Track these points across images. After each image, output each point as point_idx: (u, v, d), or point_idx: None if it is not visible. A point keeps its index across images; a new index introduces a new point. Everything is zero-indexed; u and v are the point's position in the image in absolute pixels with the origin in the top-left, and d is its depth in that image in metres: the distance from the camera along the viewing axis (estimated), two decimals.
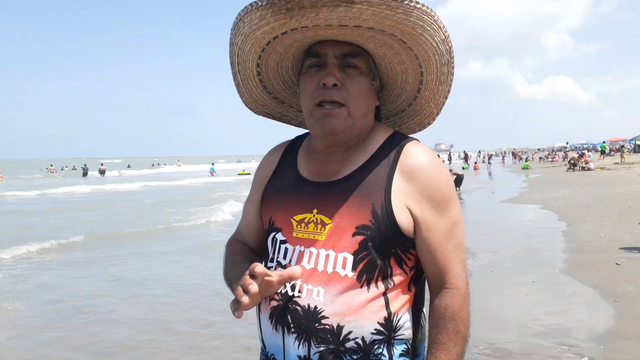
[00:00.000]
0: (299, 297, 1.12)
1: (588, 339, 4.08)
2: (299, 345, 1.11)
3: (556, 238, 8.56)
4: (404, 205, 1.14)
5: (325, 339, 1.10)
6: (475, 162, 40.68)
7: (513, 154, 58.50)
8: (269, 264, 1.21)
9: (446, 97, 1.29)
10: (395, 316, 1.14)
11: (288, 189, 1.25)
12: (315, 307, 1.11)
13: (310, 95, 1.19)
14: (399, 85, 1.29)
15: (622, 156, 33.36)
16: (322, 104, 1.17)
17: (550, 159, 44.90)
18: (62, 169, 66.59)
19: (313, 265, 1.13)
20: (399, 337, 1.15)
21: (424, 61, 1.20)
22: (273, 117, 1.46)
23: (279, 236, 1.20)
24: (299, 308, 1.11)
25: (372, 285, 1.12)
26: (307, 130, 1.37)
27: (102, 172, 50.40)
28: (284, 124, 1.49)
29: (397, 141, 1.22)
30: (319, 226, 1.16)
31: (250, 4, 1.11)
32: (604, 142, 48.48)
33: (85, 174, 48.32)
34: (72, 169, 66.74)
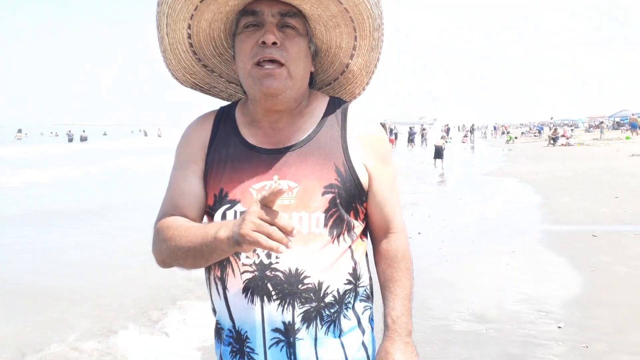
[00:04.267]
0: (277, 263, 1.13)
1: (564, 305, 4.21)
2: (282, 311, 1.12)
3: (535, 211, 8.73)
4: (361, 161, 1.22)
5: (309, 298, 1.13)
6: (465, 136, 41.08)
7: (495, 128, 58.95)
8: None
9: (376, 66, 1.34)
10: (358, 265, 1.22)
11: (238, 158, 1.21)
12: (297, 269, 1.13)
13: (247, 55, 1.16)
14: (332, 52, 1.31)
15: (601, 132, 33.91)
16: (261, 64, 1.15)
17: (532, 134, 45.38)
18: (41, 134, 65.32)
19: None
20: (362, 285, 1.24)
21: (358, 24, 1.22)
22: (202, 89, 1.40)
23: (239, 207, 1.16)
24: (279, 274, 1.12)
25: (341, 239, 1.19)
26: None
27: (83, 138, 50.41)
28: (212, 97, 1.44)
29: (338, 104, 1.29)
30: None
31: None
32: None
33: (70, 140, 48.72)
34: (55, 135, 65.82)
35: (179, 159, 1.28)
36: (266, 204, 0.95)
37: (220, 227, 1.04)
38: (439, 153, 17.74)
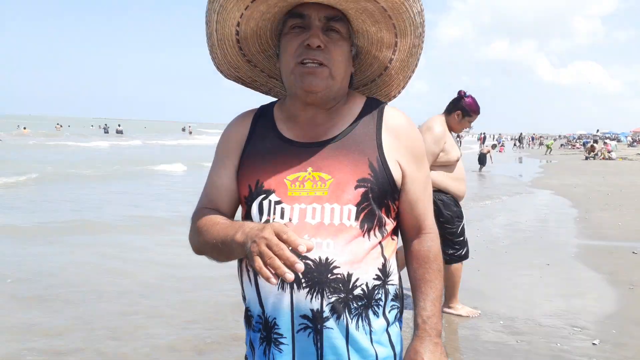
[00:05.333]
0: (308, 252, 1.14)
1: (600, 322, 4.08)
2: (311, 299, 1.14)
3: (572, 224, 8.50)
4: (394, 159, 1.24)
5: (337, 289, 1.15)
6: (502, 145, 40.50)
7: (533, 138, 57.48)
8: None
9: (413, 71, 1.38)
10: (388, 262, 1.23)
11: (273, 151, 1.26)
12: (327, 259, 1.15)
13: (292, 54, 1.21)
14: (372, 55, 1.35)
15: None
16: (305, 62, 1.20)
17: (570, 146, 44.16)
18: (91, 126, 67.83)
19: (319, 220, 1.17)
20: (391, 282, 1.25)
21: (400, 31, 1.27)
22: (243, 82, 1.46)
23: (273, 197, 1.20)
24: (310, 262, 1.14)
25: (372, 234, 1.20)
26: (273, 100, 1.42)
27: (119, 132, 52.37)
28: (252, 90, 1.50)
29: (375, 104, 1.32)
30: (319, 183, 1.19)
31: None
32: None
33: (106, 132, 52.05)
34: (91, 127, 68.21)
35: (217, 155, 1.36)
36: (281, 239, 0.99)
37: (239, 229, 1.09)
38: (482, 160, 18.29)
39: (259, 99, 1.49)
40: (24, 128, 47.69)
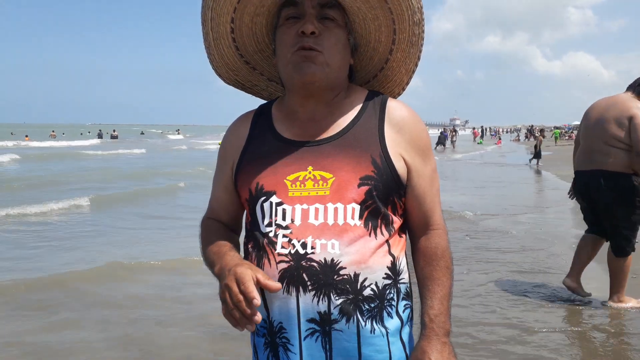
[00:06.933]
0: (312, 253, 1.12)
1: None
2: (318, 301, 1.12)
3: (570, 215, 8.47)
4: (398, 154, 1.20)
5: (345, 290, 1.12)
6: (500, 139, 40.64)
7: (529, 130, 57.64)
8: (267, 229, 1.18)
9: (416, 64, 1.33)
10: (397, 260, 1.20)
11: (272, 153, 1.23)
12: (332, 260, 1.12)
13: (288, 44, 1.19)
14: (371, 46, 1.31)
15: None
16: (300, 50, 1.17)
17: (567, 137, 44.28)
18: (81, 134, 68.16)
19: (322, 220, 1.14)
20: (402, 281, 1.22)
21: (397, 16, 1.22)
22: (243, 87, 1.44)
23: (274, 199, 1.18)
24: (315, 264, 1.12)
25: (378, 232, 1.17)
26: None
27: (114, 137, 53.16)
28: (253, 95, 1.47)
29: (377, 98, 1.27)
30: (320, 182, 1.17)
31: None
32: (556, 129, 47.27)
33: (100, 137, 52.04)
34: (88, 133, 68.31)
35: (218, 162, 1.36)
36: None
37: (219, 263, 1.18)
38: (538, 154, 19.18)
39: (256, 101, 1.46)
40: (26, 136, 48.06)
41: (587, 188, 4.06)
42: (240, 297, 1.05)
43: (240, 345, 3.34)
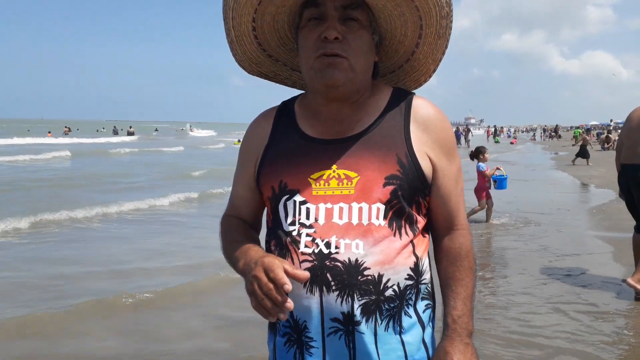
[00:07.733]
0: (336, 253, 1.11)
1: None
2: (341, 302, 1.10)
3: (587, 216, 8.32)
4: (424, 153, 1.18)
5: (368, 290, 1.10)
6: (514, 138, 40.33)
7: (545, 130, 57.03)
8: (290, 228, 1.16)
9: (443, 53, 1.29)
10: (420, 261, 1.18)
11: (296, 151, 1.21)
12: (357, 260, 1.10)
13: (310, 49, 1.16)
14: (397, 40, 1.27)
15: None
16: (323, 56, 1.14)
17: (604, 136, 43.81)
18: (97, 131, 68.58)
19: (347, 220, 1.12)
20: (423, 282, 1.20)
21: (424, 13, 1.18)
22: (267, 77, 1.41)
23: (298, 197, 1.16)
24: (339, 264, 1.10)
25: (403, 233, 1.15)
26: (298, 92, 1.37)
27: (130, 133, 52.63)
28: (277, 83, 1.44)
29: (403, 96, 1.25)
30: (345, 181, 1.15)
31: None
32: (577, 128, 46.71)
33: (115, 133, 52.37)
34: (103, 129, 68.78)
35: (239, 160, 1.34)
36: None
37: (242, 258, 1.15)
38: (583, 153, 18.82)
39: (271, 95, 1.43)
40: (49, 132, 48.06)
41: (634, 179, 4.31)
42: (270, 285, 1.03)
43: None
